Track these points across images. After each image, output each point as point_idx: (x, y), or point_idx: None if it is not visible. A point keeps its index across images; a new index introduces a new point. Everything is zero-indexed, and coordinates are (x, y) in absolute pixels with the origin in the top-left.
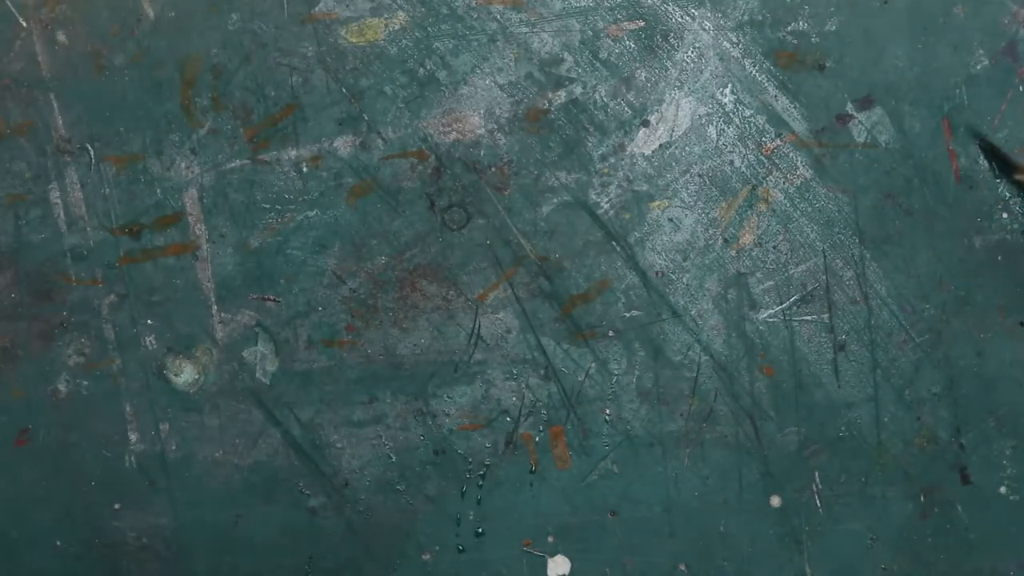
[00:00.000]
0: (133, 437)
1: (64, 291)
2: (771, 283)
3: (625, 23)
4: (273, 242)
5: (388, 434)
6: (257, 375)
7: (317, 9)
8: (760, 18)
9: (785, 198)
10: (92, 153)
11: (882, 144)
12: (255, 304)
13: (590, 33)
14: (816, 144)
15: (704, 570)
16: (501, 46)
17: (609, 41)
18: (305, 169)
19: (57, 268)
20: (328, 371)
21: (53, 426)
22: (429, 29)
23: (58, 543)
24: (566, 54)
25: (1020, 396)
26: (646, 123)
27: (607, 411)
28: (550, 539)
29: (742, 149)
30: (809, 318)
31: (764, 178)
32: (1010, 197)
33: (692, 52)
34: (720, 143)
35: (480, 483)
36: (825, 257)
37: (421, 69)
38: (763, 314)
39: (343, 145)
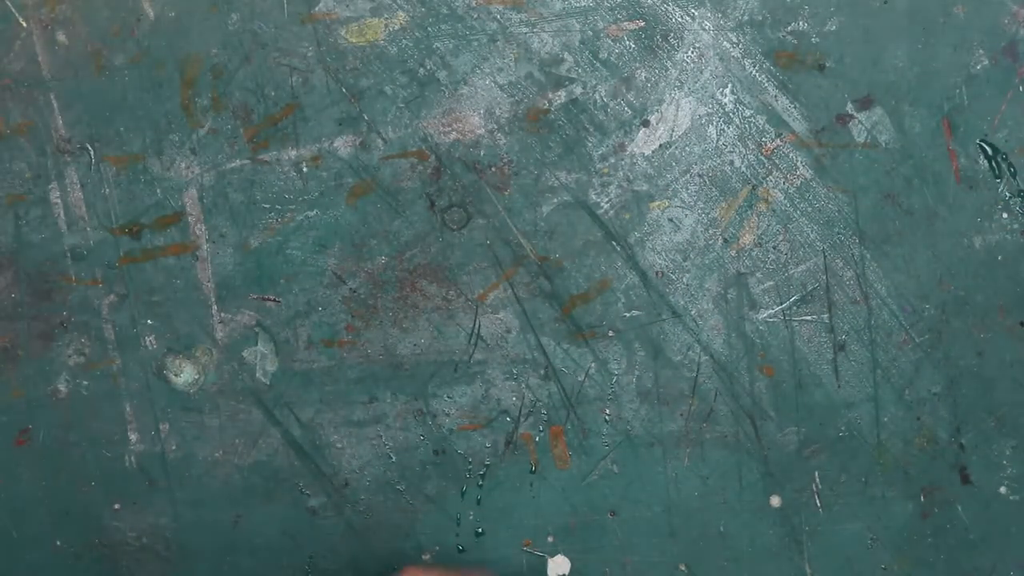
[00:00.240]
0: (133, 437)
1: (64, 291)
2: (771, 283)
3: (625, 23)
4: (273, 242)
5: (388, 434)
6: (257, 375)
7: (317, 9)
8: (760, 18)
9: (785, 198)
10: (92, 153)
11: (882, 144)
12: (255, 304)
13: (590, 33)
14: (816, 144)
15: (704, 570)
16: (501, 46)
17: (609, 41)
18: (305, 169)
19: (57, 268)
20: (328, 371)
21: (53, 426)
22: (429, 29)
23: (58, 543)
24: (566, 54)
25: (1020, 396)
26: (646, 123)
27: (607, 411)
28: (550, 539)
29: (742, 149)
30: (809, 318)
31: (764, 178)
32: (1010, 197)
33: (692, 52)
34: (720, 143)
35: (480, 483)
36: (825, 257)
37: (421, 69)
38: (763, 314)
39: (343, 145)
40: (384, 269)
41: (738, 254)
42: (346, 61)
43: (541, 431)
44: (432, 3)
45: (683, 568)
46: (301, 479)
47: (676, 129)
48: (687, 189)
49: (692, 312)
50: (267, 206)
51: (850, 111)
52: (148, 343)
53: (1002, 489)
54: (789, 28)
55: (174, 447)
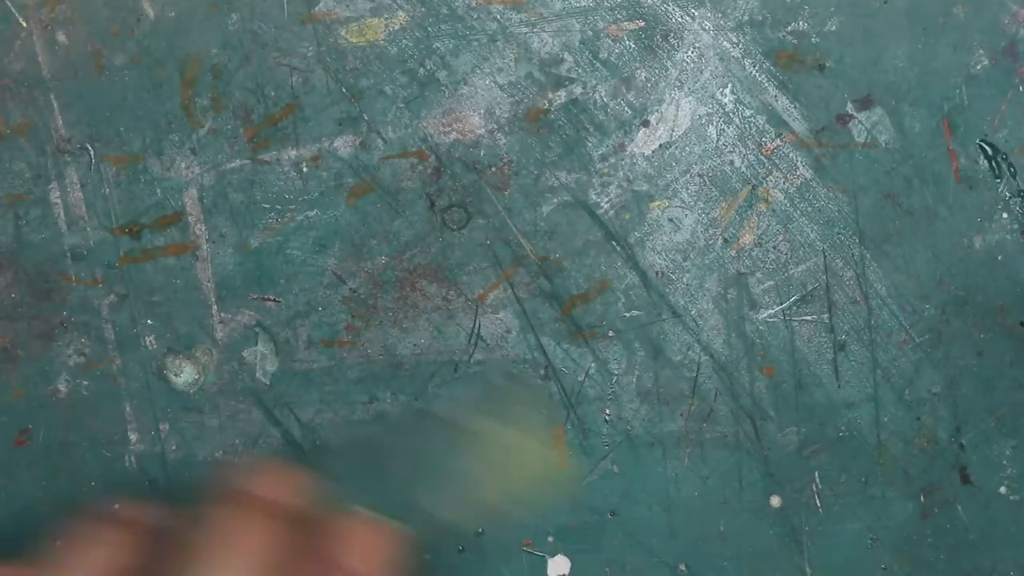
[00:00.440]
0: (133, 437)
1: (64, 291)
2: (771, 283)
3: (625, 23)
4: (273, 242)
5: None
6: (257, 375)
7: (317, 9)
8: (760, 18)
9: (785, 198)
10: (92, 153)
11: (882, 144)
12: (255, 304)
13: (590, 33)
14: (816, 144)
15: (704, 570)
16: (501, 46)
17: (609, 41)
18: (305, 169)
19: (57, 268)
20: (328, 371)
21: (53, 426)
22: (429, 29)
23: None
24: (566, 54)
25: (1020, 396)
26: (646, 123)
27: (607, 411)
28: (550, 539)
29: (742, 149)
30: (809, 318)
31: (764, 178)
32: (1010, 197)
33: (692, 52)
34: (720, 143)
35: None
36: (825, 257)
37: (421, 69)
38: (763, 314)
39: (343, 145)
40: (384, 269)
41: (738, 254)
42: (346, 61)
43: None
44: (432, 3)
45: (683, 568)
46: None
47: (676, 129)
48: (687, 189)
49: (692, 312)
50: (267, 206)
51: (850, 111)
52: (148, 343)
53: (1002, 489)
54: (789, 28)
55: (174, 447)
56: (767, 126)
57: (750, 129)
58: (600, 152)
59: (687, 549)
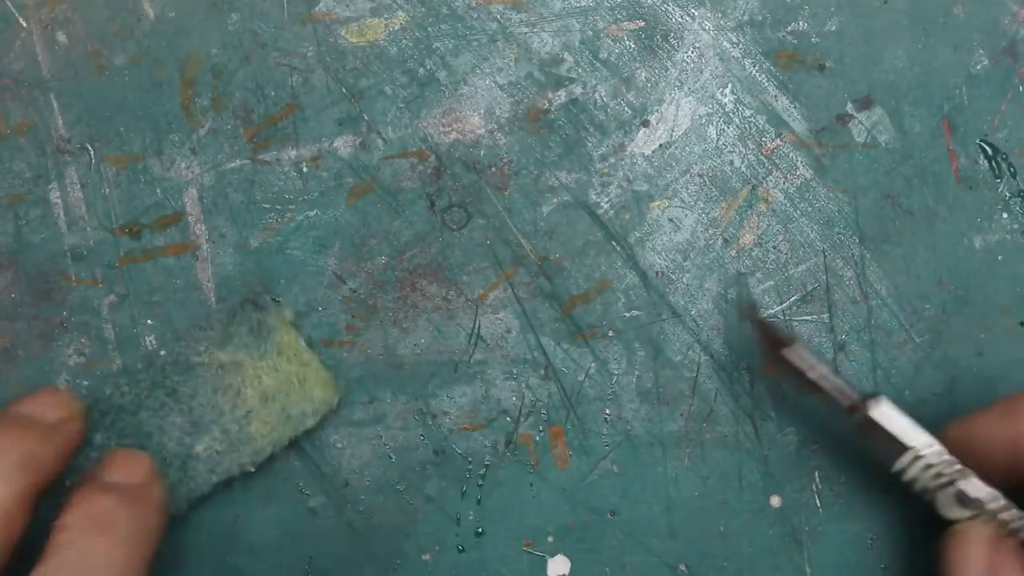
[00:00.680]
0: None
1: (64, 291)
2: (771, 283)
3: (625, 23)
4: (273, 242)
5: (388, 434)
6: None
7: (317, 9)
8: (760, 18)
9: (785, 198)
10: (92, 153)
11: (882, 144)
12: None
13: (590, 33)
14: (816, 144)
15: (704, 570)
16: (501, 46)
17: (609, 41)
18: (305, 169)
19: (57, 268)
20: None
21: None
22: (429, 29)
23: None
24: (566, 54)
25: None
26: (646, 123)
27: (607, 411)
28: (550, 539)
29: (742, 149)
30: (809, 318)
31: (764, 178)
32: (1010, 197)
33: (692, 52)
34: (720, 143)
35: (480, 483)
36: (825, 257)
37: (421, 69)
38: (763, 314)
39: (343, 145)
40: (384, 269)
41: (738, 254)
42: (346, 61)
43: (541, 431)
44: (432, 3)
45: (683, 568)
46: (301, 479)
47: (676, 129)
48: (687, 189)
49: (692, 312)
50: (267, 206)
51: (850, 111)
52: (148, 343)
53: None
54: (789, 28)
55: None
56: (767, 126)
57: (750, 129)
58: (600, 152)
59: (687, 549)
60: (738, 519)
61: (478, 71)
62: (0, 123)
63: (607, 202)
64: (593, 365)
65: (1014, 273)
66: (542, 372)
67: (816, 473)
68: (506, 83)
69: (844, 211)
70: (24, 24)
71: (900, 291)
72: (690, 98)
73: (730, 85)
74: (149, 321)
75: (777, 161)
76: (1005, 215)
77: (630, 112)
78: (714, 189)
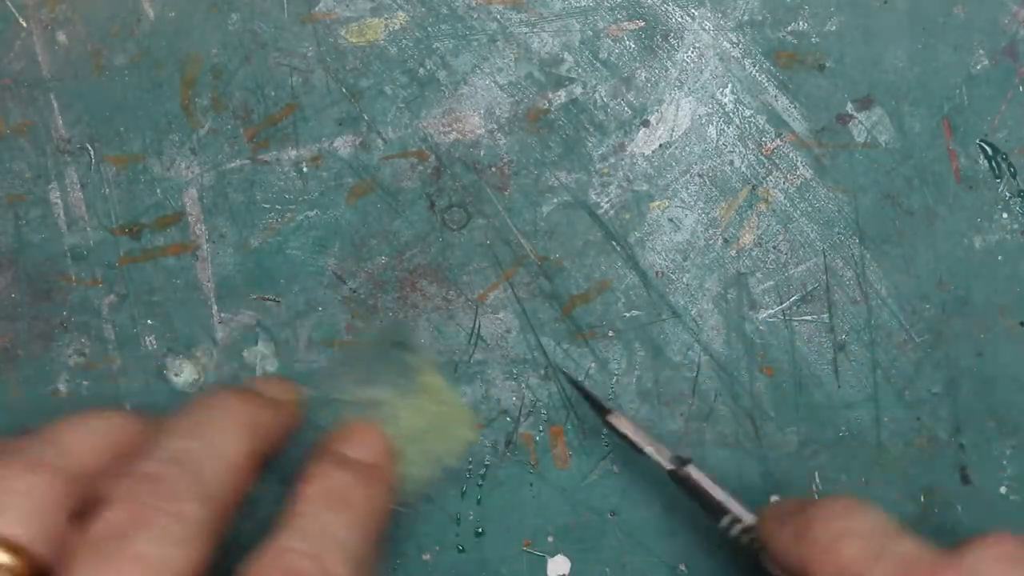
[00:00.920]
0: None
1: (64, 291)
2: (771, 283)
3: (625, 23)
4: (273, 242)
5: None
6: (257, 375)
7: (317, 9)
8: (760, 18)
9: (785, 198)
10: (92, 153)
11: (882, 144)
12: (255, 304)
13: (590, 33)
14: (816, 144)
15: (704, 570)
16: (501, 46)
17: (609, 41)
18: (305, 169)
19: (57, 268)
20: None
21: None
22: (429, 29)
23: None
24: (566, 54)
25: (1020, 396)
26: (646, 123)
27: None
28: (550, 539)
29: (742, 149)
30: (809, 318)
31: (764, 178)
32: (1010, 197)
33: (692, 52)
34: (720, 143)
35: (480, 483)
36: (825, 257)
37: (421, 69)
38: (763, 314)
39: (343, 145)
40: (384, 269)
41: (738, 254)
42: (346, 61)
43: (541, 431)
44: (432, 3)
45: (683, 568)
46: None
47: (676, 129)
48: (687, 189)
49: (692, 312)
50: (267, 206)
51: (850, 111)
52: (148, 343)
53: (1002, 489)
54: (789, 28)
55: None
56: (767, 126)
57: (750, 129)
58: (600, 152)
59: (687, 549)
60: None
61: (478, 71)
62: (0, 123)
63: (607, 202)
64: (593, 365)
65: (1014, 273)
66: (542, 372)
67: (816, 473)
68: (506, 83)
69: (844, 211)
70: (24, 24)
71: (900, 291)
72: (690, 98)
73: (730, 85)
74: (149, 321)
75: (777, 161)
76: (1005, 215)
77: (630, 112)
78: (714, 189)
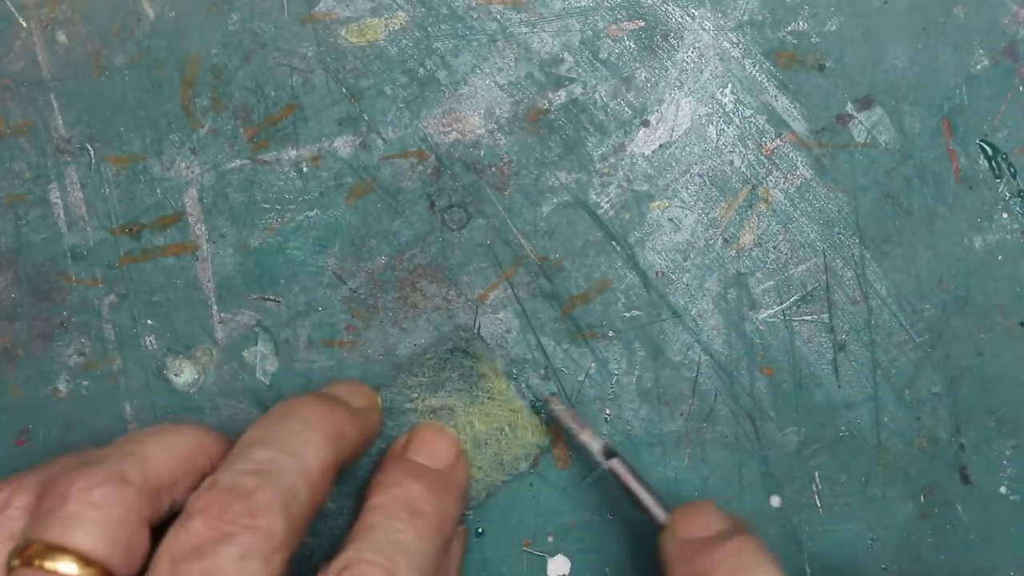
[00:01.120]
0: None
1: (64, 291)
2: (771, 283)
3: (625, 23)
4: (273, 242)
5: (389, 434)
6: (257, 375)
7: (317, 9)
8: (760, 18)
9: (785, 198)
10: (92, 153)
11: (882, 144)
12: (255, 304)
13: (590, 33)
14: (816, 144)
15: None
16: (501, 46)
17: (609, 41)
18: (305, 169)
19: (57, 268)
20: (328, 371)
21: (53, 426)
22: (429, 29)
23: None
24: (566, 54)
25: (1020, 396)
26: (646, 123)
27: (607, 411)
28: (550, 539)
29: (742, 149)
30: (809, 318)
31: (764, 178)
32: (1010, 197)
33: (692, 52)
34: (720, 143)
35: None
36: (825, 257)
37: (421, 69)
38: (763, 314)
39: (343, 145)
40: (384, 269)
41: (738, 254)
42: (346, 61)
43: None
44: (432, 3)
45: None
46: None
47: (676, 129)
48: (687, 189)
49: (692, 312)
50: (267, 206)
51: (850, 111)
52: (148, 343)
53: (1002, 489)
54: (789, 28)
55: None
56: (767, 126)
57: (750, 129)
58: (600, 152)
59: None
60: None
61: (478, 71)
62: (0, 123)
63: (607, 202)
64: (593, 365)
65: (1014, 273)
66: (542, 372)
67: (816, 473)
68: (506, 83)
69: (844, 211)
70: (24, 24)
71: (900, 291)
72: (690, 98)
73: (730, 85)
74: (149, 321)
75: (777, 161)
76: (1005, 215)
77: (630, 112)
78: (714, 189)
